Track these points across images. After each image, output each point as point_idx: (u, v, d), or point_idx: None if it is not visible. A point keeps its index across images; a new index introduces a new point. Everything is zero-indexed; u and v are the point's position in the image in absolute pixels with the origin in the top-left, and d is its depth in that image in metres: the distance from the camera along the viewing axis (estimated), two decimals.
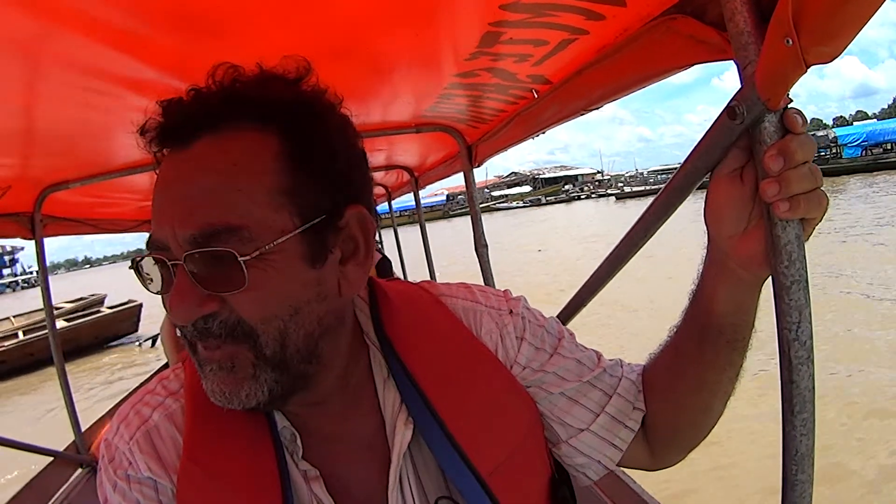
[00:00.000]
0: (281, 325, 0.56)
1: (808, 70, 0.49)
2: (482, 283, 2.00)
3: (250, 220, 0.54)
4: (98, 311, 13.20)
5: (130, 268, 0.59)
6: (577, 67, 1.04)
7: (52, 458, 2.47)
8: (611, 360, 0.76)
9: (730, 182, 0.58)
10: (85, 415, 2.68)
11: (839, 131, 40.07)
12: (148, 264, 0.57)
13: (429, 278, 3.90)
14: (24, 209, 2.04)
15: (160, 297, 0.58)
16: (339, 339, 0.63)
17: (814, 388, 0.56)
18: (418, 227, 3.75)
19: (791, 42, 0.48)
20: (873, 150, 34.93)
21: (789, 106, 0.53)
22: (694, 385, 0.68)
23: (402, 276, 4.79)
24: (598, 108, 1.06)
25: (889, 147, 32.82)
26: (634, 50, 0.84)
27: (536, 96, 1.27)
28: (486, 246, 2.04)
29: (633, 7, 0.76)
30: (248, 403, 0.57)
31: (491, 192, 74.45)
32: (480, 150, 1.93)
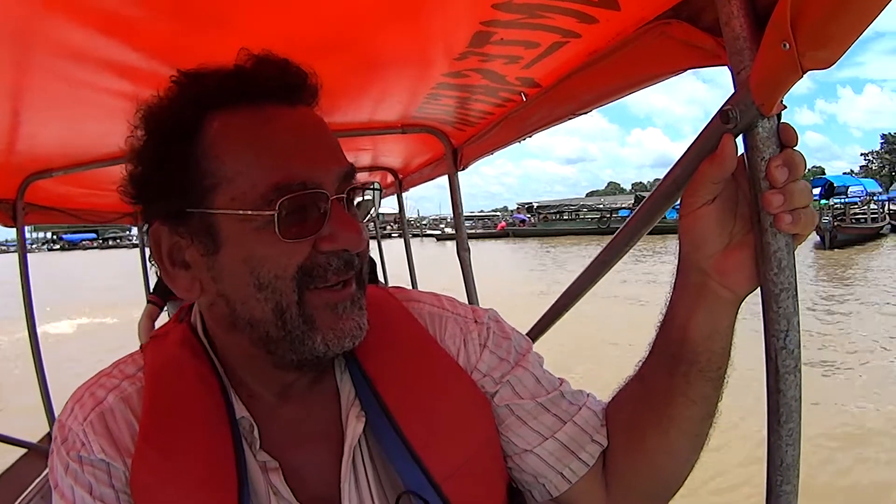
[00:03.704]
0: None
1: (804, 75, 0.49)
2: (463, 286, 2.01)
3: None
4: None
5: (270, 211, 0.58)
6: (568, 71, 1.03)
7: (25, 450, 2.41)
8: (576, 389, 0.75)
9: (709, 204, 0.58)
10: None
11: None
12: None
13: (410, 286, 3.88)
14: (6, 196, 2.03)
15: (289, 244, 0.58)
16: None
17: (800, 397, 0.55)
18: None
19: (788, 46, 0.48)
20: None
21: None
22: (661, 421, 0.66)
23: (384, 283, 4.75)
24: (586, 113, 1.06)
25: None
26: (626, 54, 0.83)
27: (525, 99, 1.27)
28: (468, 250, 2.04)
29: (627, 11, 0.76)
30: (365, 332, 0.63)
31: None
32: (466, 153, 1.92)
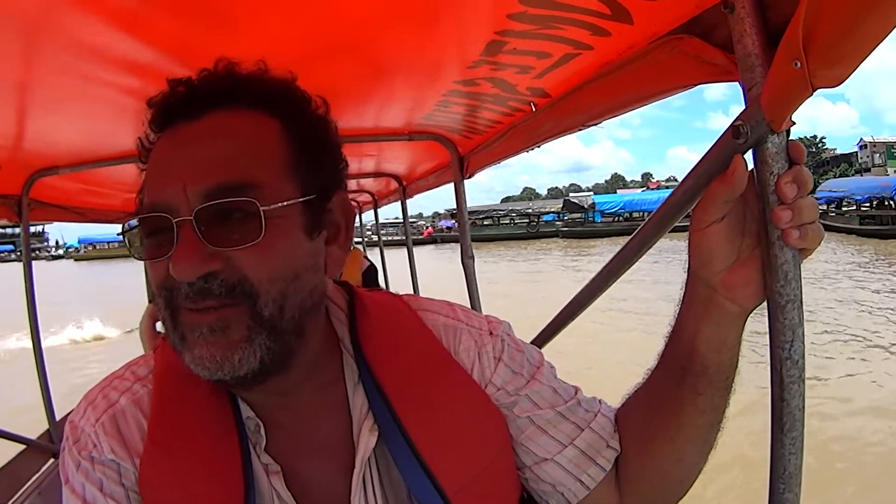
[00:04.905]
0: (283, 287, 0.59)
1: (815, 93, 0.50)
2: (467, 293, 2.01)
3: (263, 181, 0.58)
4: None
5: (120, 234, 0.62)
6: (579, 82, 1.05)
7: (24, 447, 2.40)
8: (589, 396, 0.76)
9: (718, 222, 0.59)
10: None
11: (597, 198, 42.92)
12: (138, 234, 0.60)
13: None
14: (11, 192, 2.02)
15: (150, 263, 0.59)
16: (319, 319, 0.66)
17: (804, 407, 0.56)
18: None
19: (799, 65, 0.49)
20: (617, 219, 37.64)
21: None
22: (669, 429, 0.67)
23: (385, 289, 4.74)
24: (596, 125, 1.07)
25: (641, 216, 34.05)
26: (638, 68, 0.85)
27: (534, 109, 1.28)
28: (473, 258, 2.04)
29: (641, 25, 0.77)
30: (240, 371, 0.57)
31: None
32: (472, 162, 1.93)
